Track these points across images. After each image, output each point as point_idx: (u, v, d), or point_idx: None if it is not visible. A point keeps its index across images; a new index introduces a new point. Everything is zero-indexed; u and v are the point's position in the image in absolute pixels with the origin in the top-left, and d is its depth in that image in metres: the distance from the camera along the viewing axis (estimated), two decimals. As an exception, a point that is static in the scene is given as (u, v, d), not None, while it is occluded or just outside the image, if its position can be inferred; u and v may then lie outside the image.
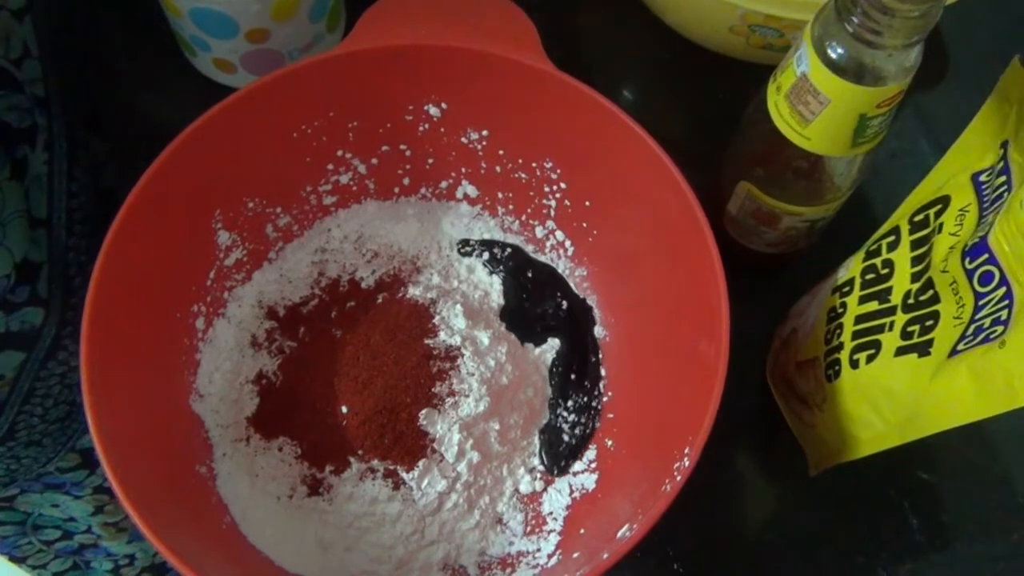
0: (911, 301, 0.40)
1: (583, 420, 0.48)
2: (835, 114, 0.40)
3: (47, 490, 0.62)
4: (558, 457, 0.47)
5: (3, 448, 0.53)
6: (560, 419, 0.48)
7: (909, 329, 0.39)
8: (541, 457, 0.47)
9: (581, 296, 0.52)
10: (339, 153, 0.50)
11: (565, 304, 0.51)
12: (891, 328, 0.40)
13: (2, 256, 0.46)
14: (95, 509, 0.65)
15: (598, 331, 0.51)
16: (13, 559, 0.67)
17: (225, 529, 0.43)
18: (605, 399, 0.49)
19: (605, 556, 0.36)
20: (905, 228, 0.42)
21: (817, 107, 0.40)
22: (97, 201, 0.52)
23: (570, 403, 0.49)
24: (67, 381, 0.53)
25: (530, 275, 0.52)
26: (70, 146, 0.50)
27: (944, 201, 0.40)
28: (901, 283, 0.41)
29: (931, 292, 0.38)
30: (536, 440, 0.48)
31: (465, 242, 0.53)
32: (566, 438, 0.48)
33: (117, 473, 0.36)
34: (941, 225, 0.39)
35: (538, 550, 0.45)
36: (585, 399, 0.49)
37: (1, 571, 0.69)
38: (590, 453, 0.48)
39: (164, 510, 0.38)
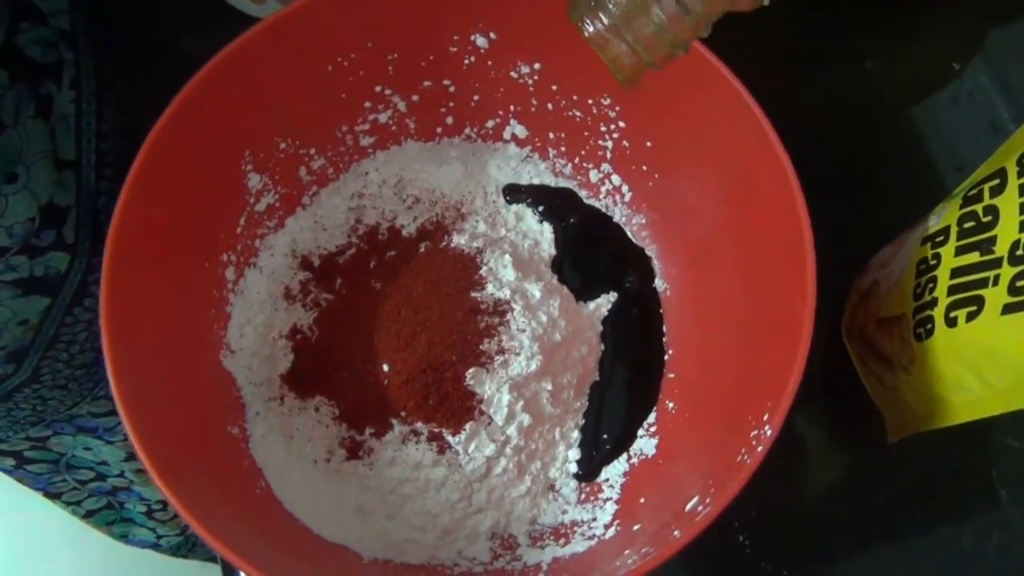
0: (1021, 252, 0.36)
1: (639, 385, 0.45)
2: None
3: (80, 433, 0.62)
4: (592, 469, 0.44)
5: (28, 390, 0.53)
6: (612, 386, 0.45)
7: (1019, 284, 0.35)
8: (577, 461, 0.44)
9: (639, 246, 0.48)
10: (377, 89, 0.46)
11: (622, 254, 0.48)
12: (996, 282, 0.37)
13: (26, 199, 0.44)
14: (127, 455, 0.65)
15: (658, 284, 0.47)
16: (48, 495, 0.68)
17: (259, 495, 0.41)
18: (665, 357, 0.45)
19: (677, 534, 0.33)
20: (1013, 170, 0.38)
21: None
22: (128, 144, 0.50)
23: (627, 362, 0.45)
24: (93, 328, 0.51)
25: (584, 223, 0.48)
26: (99, 84, 0.48)
27: (1063, 137, 0.35)
28: (1008, 232, 0.37)
29: (1047, 241, 0.34)
30: (586, 401, 0.45)
31: (513, 187, 0.49)
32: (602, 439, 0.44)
33: (138, 431, 0.34)
34: (1060, 165, 0.35)
35: (594, 519, 0.42)
36: (643, 358, 0.45)
37: (36, 507, 0.70)
38: (649, 416, 0.44)
39: (191, 473, 0.36)
